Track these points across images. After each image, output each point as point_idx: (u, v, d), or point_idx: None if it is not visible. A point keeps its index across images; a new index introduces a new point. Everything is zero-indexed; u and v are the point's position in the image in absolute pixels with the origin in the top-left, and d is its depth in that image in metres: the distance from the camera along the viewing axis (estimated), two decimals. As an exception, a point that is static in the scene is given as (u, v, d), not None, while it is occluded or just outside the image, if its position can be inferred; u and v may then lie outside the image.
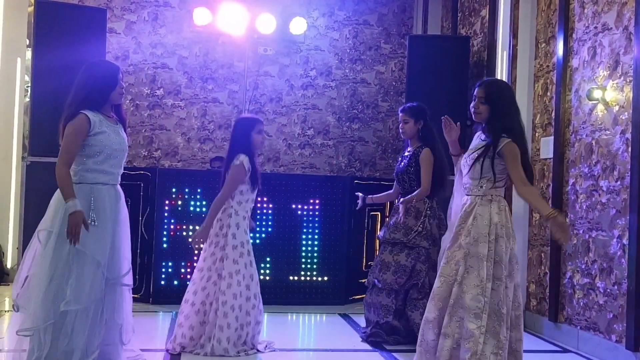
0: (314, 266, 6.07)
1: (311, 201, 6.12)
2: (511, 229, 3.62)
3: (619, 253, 4.50)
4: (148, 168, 6.56)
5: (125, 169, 7.02)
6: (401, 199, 4.78)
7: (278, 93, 7.88)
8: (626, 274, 4.38)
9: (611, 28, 4.73)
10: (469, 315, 3.44)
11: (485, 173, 3.59)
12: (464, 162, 3.72)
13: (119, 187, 3.59)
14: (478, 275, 3.48)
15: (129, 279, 3.59)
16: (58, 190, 3.47)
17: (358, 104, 7.97)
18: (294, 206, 6.10)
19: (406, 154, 4.91)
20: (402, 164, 4.89)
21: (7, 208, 6.88)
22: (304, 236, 6.10)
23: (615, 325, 4.50)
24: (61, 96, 5.70)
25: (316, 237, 6.09)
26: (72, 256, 3.34)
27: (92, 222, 3.36)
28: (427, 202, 4.75)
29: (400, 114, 4.91)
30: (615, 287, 4.52)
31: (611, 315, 4.55)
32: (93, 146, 3.47)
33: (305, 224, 6.11)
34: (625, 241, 4.43)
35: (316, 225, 6.10)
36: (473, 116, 3.73)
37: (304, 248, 6.09)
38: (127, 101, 7.56)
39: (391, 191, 5.11)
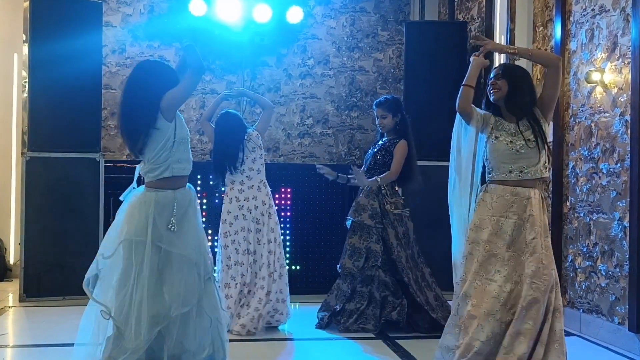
0: (310, 255, 6.10)
1: (311, 189, 6.13)
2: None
3: (620, 235, 4.50)
4: (148, 161, 6.55)
5: (124, 162, 7.06)
6: (369, 178, 4.83)
7: (276, 83, 7.86)
8: (627, 256, 4.39)
9: (608, 10, 4.70)
10: None
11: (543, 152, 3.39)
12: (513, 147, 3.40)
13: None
14: None
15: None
16: (137, 195, 3.31)
17: (357, 92, 7.94)
18: (294, 195, 6.11)
19: (380, 142, 5.01)
20: (373, 151, 4.99)
21: (8, 204, 6.90)
22: (303, 224, 6.11)
23: (617, 308, 4.51)
24: (59, 90, 5.74)
25: (316, 225, 6.10)
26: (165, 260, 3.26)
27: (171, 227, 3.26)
28: (387, 186, 4.84)
29: (377, 109, 4.96)
30: (617, 269, 4.52)
31: (613, 298, 4.56)
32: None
33: (304, 212, 6.12)
34: (626, 223, 4.43)
35: (316, 213, 6.11)
36: (491, 96, 3.48)
37: (301, 237, 6.11)
38: (125, 94, 7.54)
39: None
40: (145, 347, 3.13)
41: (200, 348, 3.29)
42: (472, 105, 3.51)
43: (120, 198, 3.46)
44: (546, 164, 3.42)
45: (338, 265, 4.89)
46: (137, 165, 3.45)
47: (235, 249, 4.69)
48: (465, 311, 3.34)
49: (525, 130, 3.38)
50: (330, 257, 6.07)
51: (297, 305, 5.56)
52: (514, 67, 3.61)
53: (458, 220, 3.66)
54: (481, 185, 3.55)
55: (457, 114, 3.56)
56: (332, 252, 6.08)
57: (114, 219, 6.15)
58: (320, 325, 4.81)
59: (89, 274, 3.36)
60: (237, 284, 4.63)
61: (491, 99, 3.50)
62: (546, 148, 3.39)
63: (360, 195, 4.91)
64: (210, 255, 3.48)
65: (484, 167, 3.56)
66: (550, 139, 5.31)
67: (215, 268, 4.01)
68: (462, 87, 3.50)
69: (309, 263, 6.12)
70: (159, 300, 3.18)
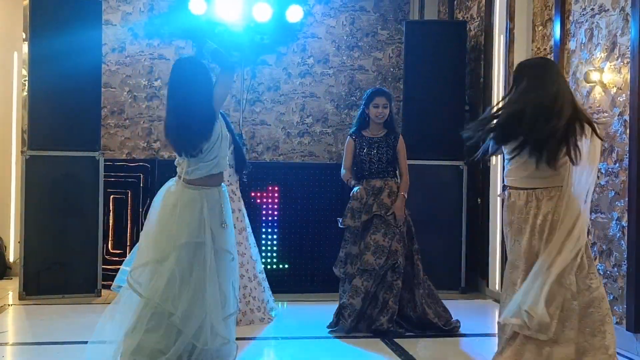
0: (307, 254, 6.11)
1: (311, 189, 6.15)
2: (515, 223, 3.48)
3: (618, 235, 4.51)
4: (147, 159, 6.57)
5: (124, 160, 7.07)
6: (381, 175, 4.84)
7: (276, 82, 7.86)
8: (626, 256, 4.40)
9: (608, 9, 4.71)
10: None
11: None
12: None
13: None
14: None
15: None
16: (178, 193, 3.32)
17: (356, 91, 7.95)
18: (293, 194, 6.12)
19: (375, 138, 4.91)
20: (381, 149, 4.87)
21: (8, 202, 6.90)
22: (291, 223, 6.12)
23: (615, 307, 4.52)
24: (59, 89, 5.74)
25: (315, 224, 6.11)
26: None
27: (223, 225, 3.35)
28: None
29: (380, 98, 4.88)
30: (615, 269, 4.53)
31: (611, 297, 4.57)
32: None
33: (304, 212, 6.13)
34: (624, 223, 4.44)
35: (315, 212, 6.12)
36: None
37: (301, 234, 6.12)
38: (125, 93, 7.55)
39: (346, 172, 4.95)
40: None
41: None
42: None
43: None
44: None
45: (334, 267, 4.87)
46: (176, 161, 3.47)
47: None
48: None
49: None
50: (318, 256, 6.09)
51: (285, 305, 5.59)
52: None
53: None
54: None
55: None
56: (320, 251, 6.10)
57: (114, 217, 6.23)
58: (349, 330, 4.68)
59: (120, 280, 3.38)
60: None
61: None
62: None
63: (383, 194, 4.80)
64: None
65: None
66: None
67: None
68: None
69: (297, 262, 6.11)
70: (220, 299, 3.26)
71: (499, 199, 4.67)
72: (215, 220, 3.26)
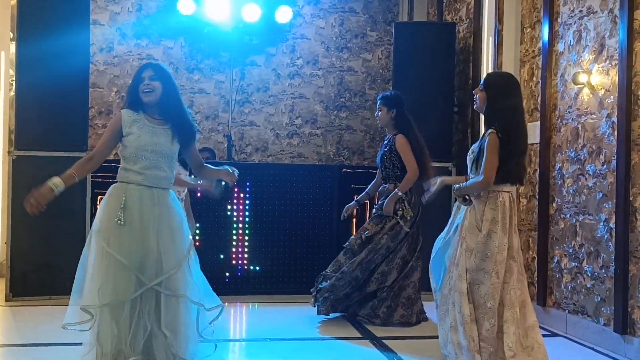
0: (298, 255, 6.09)
1: (300, 190, 6.14)
2: (509, 224, 3.67)
3: (606, 236, 4.53)
4: (135, 160, 6.52)
5: (112, 161, 6.99)
6: (391, 192, 4.98)
7: (265, 82, 7.85)
8: (613, 257, 4.42)
9: (596, 11, 4.73)
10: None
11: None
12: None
13: (159, 190, 3.36)
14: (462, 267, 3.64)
15: (174, 288, 3.26)
16: (108, 191, 3.42)
17: (345, 92, 7.95)
18: (282, 195, 6.11)
19: (386, 141, 5.15)
20: (382, 151, 5.12)
21: (-5, 203, 6.84)
22: (292, 225, 6.11)
23: (603, 309, 4.54)
24: (46, 89, 5.69)
25: (305, 225, 6.10)
26: (102, 254, 3.28)
27: (119, 221, 3.26)
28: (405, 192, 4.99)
29: (378, 103, 5.18)
30: (603, 270, 4.55)
31: (599, 299, 4.59)
32: (125, 147, 3.36)
33: (293, 213, 6.12)
34: (612, 224, 4.46)
35: (305, 214, 6.11)
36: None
37: (290, 236, 6.11)
38: (113, 93, 7.51)
39: (374, 180, 5.31)
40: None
41: (129, 351, 3.22)
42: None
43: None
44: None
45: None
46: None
47: None
48: None
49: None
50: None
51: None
52: (495, 83, 3.77)
53: None
54: None
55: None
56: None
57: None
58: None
59: None
60: None
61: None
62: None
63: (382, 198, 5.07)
64: (175, 266, 3.28)
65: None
66: (537, 139, 5.36)
67: None
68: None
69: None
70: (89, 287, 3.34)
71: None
72: (109, 212, 3.36)
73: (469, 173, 3.77)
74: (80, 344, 3.41)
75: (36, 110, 5.66)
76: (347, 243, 5.07)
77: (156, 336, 3.24)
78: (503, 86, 3.68)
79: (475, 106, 3.81)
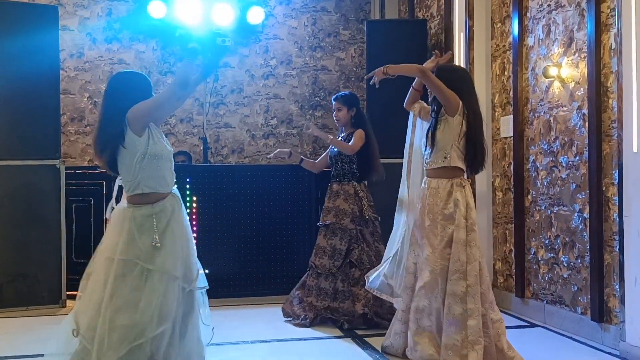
0: (278, 256, 6.08)
1: (277, 191, 6.13)
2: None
3: (580, 227, 4.59)
4: (110, 166, 6.45)
5: (86, 168, 6.93)
6: (331, 138, 5.07)
7: (239, 84, 7.83)
8: (588, 247, 4.48)
9: (564, 5, 4.79)
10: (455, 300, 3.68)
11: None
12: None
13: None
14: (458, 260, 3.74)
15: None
16: (119, 211, 3.19)
17: (320, 92, 7.96)
18: (259, 197, 6.09)
19: (339, 138, 5.12)
20: (335, 149, 5.08)
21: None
22: (270, 226, 6.10)
23: (580, 298, 4.60)
24: (15, 97, 5.61)
25: (283, 226, 6.09)
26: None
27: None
28: (357, 186, 4.99)
29: (334, 102, 5.15)
30: (579, 260, 4.61)
31: (575, 288, 4.65)
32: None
33: (271, 214, 6.11)
34: (586, 215, 4.52)
35: (282, 214, 6.10)
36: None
37: (269, 237, 6.09)
38: (85, 99, 7.43)
39: (316, 161, 5.47)
40: None
41: None
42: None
43: (105, 216, 3.37)
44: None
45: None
46: (117, 179, 3.32)
47: None
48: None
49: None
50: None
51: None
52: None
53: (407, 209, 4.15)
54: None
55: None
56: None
57: (77, 226, 6.11)
58: (310, 324, 4.87)
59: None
60: None
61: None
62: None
63: (339, 199, 4.98)
64: (199, 265, 3.30)
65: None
66: (510, 133, 5.41)
67: None
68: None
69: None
70: (132, 318, 3.02)
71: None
72: (143, 238, 3.09)
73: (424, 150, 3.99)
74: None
75: (6, 118, 5.58)
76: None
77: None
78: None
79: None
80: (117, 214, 3.20)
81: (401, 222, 4.25)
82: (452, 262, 3.71)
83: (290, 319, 5.00)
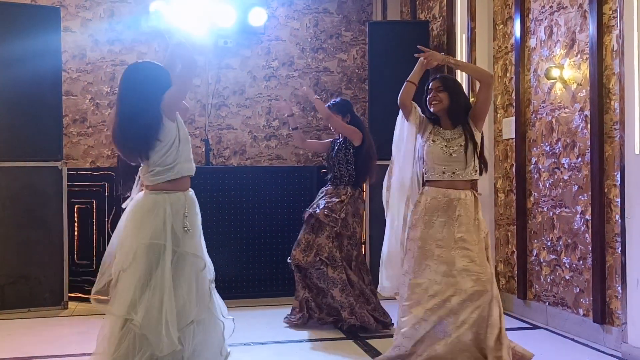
0: (280, 257, 6.08)
1: (279, 192, 6.13)
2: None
3: (582, 228, 4.59)
4: (112, 168, 6.45)
5: (88, 169, 6.94)
6: (316, 98, 5.14)
7: (241, 85, 7.83)
8: (590, 249, 4.47)
9: (566, 7, 4.79)
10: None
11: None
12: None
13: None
14: None
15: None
16: (141, 200, 3.20)
17: (322, 93, 7.95)
18: (261, 198, 6.09)
19: (340, 142, 5.10)
20: (335, 152, 5.07)
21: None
22: (272, 228, 6.10)
23: (582, 300, 4.59)
24: (18, 98, 5.61)
25: (285, 227, 6.09)
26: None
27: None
28: (349, 191, 4.94)
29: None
30: (581, 262, 4.61)
31: (577, 290, 4.64)
32: None
33: (273, 215, 6.11)
34: (588, 216, 4.52)
35: (284, 216, 6.10)
36: (431, 107, 3.78)
37: (271, 239, 6.09)
38: (87, 100, 7.44)
39: (307, 140, 5.50)
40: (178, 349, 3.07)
41: (218, 355, 3.25)
42: (414, 102, 3.81)
43: (123, 206, 3.36)
44: (476, 168, 3.73)
45: (289, 259, 4.98)
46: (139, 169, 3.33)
47: None
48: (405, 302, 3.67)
49: (458, 137, 3.71)
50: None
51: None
52: (452, 80, 3.92)
53: (392, 216, 3.92)
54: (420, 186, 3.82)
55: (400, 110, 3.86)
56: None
57: (79, 228, 6.12)
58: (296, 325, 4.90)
59: (99, 287, 3.20)
60: None
61: (431, 110, 3.79)
62: (477, 154, 3.71)
63: (335, 199, 4.92)
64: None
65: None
66: (512, 135, 5.41)
67: None
68: (405, 82, 3.82)
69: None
70: (177, 305, 3.11)
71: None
72: (178, 224, 3.18)
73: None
74: (60, 355, 3.34)
75: (8, 119, 5.59)
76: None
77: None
78: (460, 87, 3.87)
79: (433, 109, 3.76)
80: (144, 202, 3.20)
81: None
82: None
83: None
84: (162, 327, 3.04)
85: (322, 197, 4.99)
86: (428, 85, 3.82)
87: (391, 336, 4.58)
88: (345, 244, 4.89)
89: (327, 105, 5.11)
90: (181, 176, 3.23)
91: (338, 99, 5.24)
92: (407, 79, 3.81)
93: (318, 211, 4.86)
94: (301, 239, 4.93)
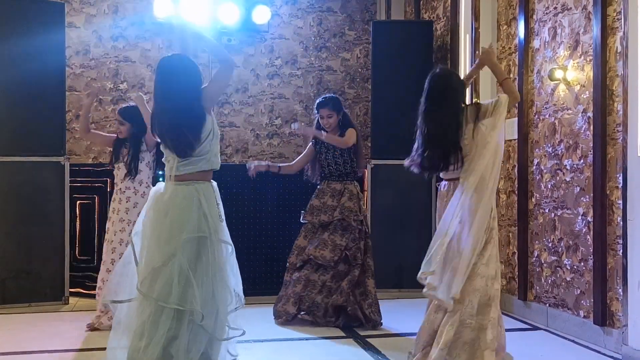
0: (280, 255, 6.07)
1: (281, 190, 6.13)
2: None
3: (584, 230, 4.59)
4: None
5: (90, 165, 6.93)
6: (325, 134, 4.99)
7: (244, 83, 7.83)
8: (592, 250, 4.47)
9: (570, 8, 4.78)
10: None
11: None
12: None
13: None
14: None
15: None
16: (171, 192, 3.22)
17: (325, 92, 7.94)
18: (263, 196, 6.10)
19: (329, 144, 5.05)
20: (330, 150, 5.05)
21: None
22: (273, 226, 6.10)
23: (582, 301, 4.59)
24: (21, 93, 5.62)
25: (285, 225, 6.09)
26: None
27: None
28: (357, 186, 5.10)
29: (322, 110, 5.05)
30: (582, 263, 4.61)
31: (578, 292, 4.64)
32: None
33: (274, 213, 6.11)
34: (589, 218, 4.51)
35: (285, 214, 6.10)
36: None
37: (272, 236, 6.09)
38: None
39: (292, 164, 5.31)
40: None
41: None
42: None
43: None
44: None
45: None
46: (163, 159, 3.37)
47: None
48: None
49: None
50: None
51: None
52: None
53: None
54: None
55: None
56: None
57: (80, 223, 6.12)
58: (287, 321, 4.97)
59: (113, 292, 3.25)
60: None
61: None
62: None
63: (343, 198, 5.00)
64: None
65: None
66: (515, 135, 5.40)
67: None
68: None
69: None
70: (226, 289, 3.26)
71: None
72: (213, 212, 3.25)
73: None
74: (60, 350, 3.33)
75: (11, 114, 5.60)
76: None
77: None
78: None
79: None
80: (176, 194, 3.20)
81: None
82: None
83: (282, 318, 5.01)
84: (218, 317, 3.17)
85: (338, 197, 5.01)
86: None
87: (385, 335, 4.60)
88: (360, 240, 5.02)
89: (323, 103, 5.05)
90: (211, 168, 3.28)
91: (332, 96, 5.20)
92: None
93: (352, 216, 4.95)
94: (327, 240, 4.94)
